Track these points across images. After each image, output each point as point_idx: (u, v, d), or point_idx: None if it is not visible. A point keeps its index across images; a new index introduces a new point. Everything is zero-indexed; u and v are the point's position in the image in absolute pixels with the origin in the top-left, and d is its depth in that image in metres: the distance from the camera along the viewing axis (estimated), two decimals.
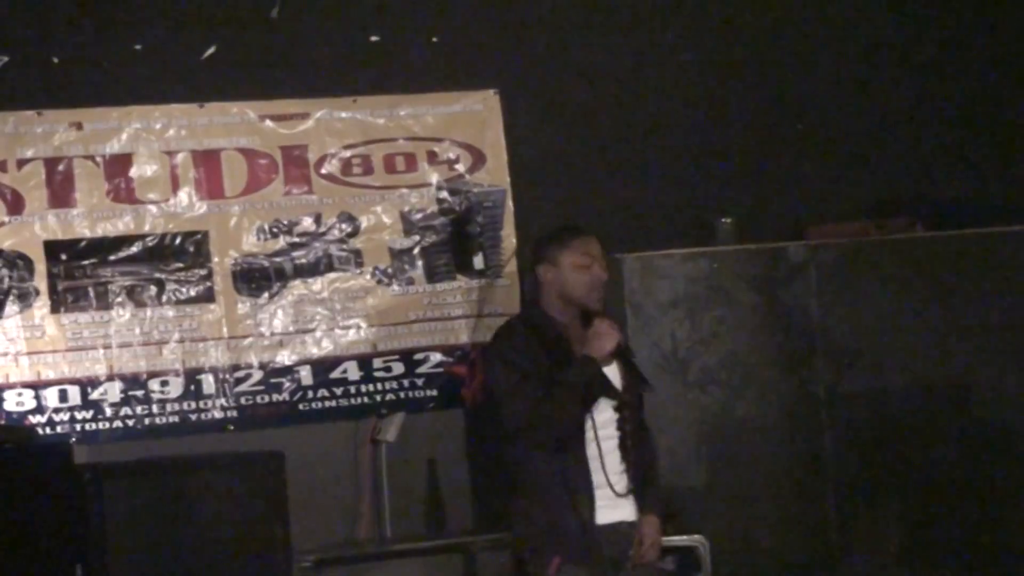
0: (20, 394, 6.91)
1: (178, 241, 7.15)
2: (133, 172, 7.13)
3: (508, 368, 5.49)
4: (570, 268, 5.55)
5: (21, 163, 7.01)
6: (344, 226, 7.33)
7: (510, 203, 7.48)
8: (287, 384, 7.17)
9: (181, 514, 6.52)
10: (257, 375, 7.14)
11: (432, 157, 7.44)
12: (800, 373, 7.00)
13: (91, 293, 7.03)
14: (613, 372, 5.57)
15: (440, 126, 7.46)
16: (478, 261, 7.43)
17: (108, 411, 6.98)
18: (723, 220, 7.33)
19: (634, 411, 5.60)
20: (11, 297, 6.94)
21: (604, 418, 5.50)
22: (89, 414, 6.96)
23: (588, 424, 5.46)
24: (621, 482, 5.51)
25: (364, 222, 7.35)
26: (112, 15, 7.18)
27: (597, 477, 5.48)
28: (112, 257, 7.07)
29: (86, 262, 7.04)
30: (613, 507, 5.51)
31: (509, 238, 7.46)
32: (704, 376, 6.91)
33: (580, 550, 5.43)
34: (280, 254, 7.27)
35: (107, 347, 7.01)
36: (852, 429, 7.01)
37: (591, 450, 5.46)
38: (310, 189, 7.31)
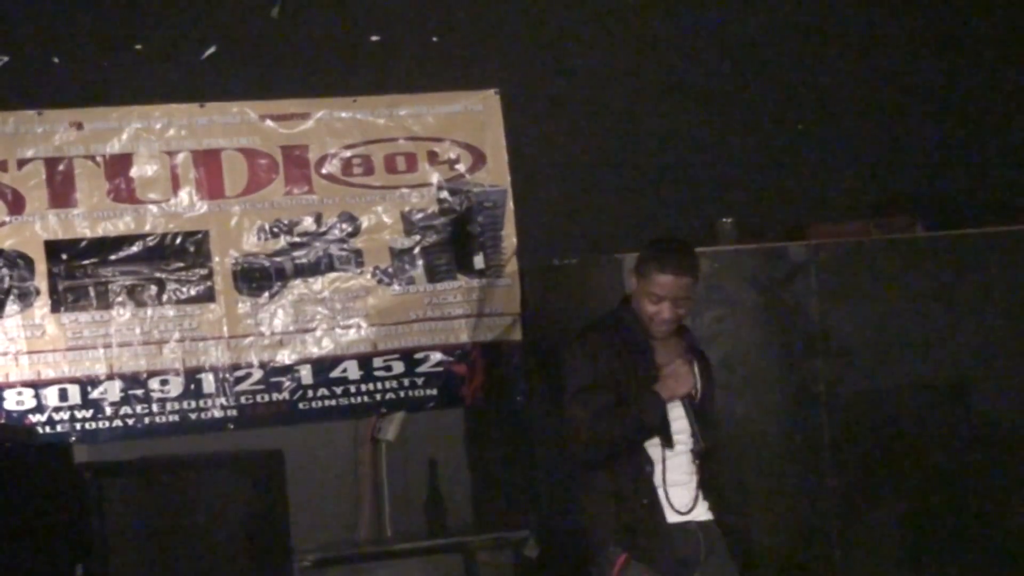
0: (20, 393, 6.92)
1: (178, 241, 7.16)
2: (133, 172, 7.13)
3: (580, 369, 5.47)
4: (643, 293, 5.51)
5: (21, 163, 7.02)
6: (345, 226, 7.33)
7: (510, 203, 7.48)
8: (287, 383, 7.18)
9: (181, 513, 6.53)
10: (257, 374, 7.15)
11: (432, 157, 7.45)
12: (800, 373, 6.99)
13: (91, 292, 7.04)
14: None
15: (440, 126, 7.46)
16: (478, 261, 7.43)
17: (108, 410, 6.98)
18: (723, 220, 7.33)
19: (708, 415, 5.59)
20: (11, 296, 6.95)
21: (678, 425, 5.47)
22: (89, 413, 6.96)
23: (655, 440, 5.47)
24: (690, 485, 5.50)
25: (365, 222, 7.36)
26: (112, 15, 7.19)
27: (671, 476, 5.47)
28: (112, 257, 7.08)
29: (86, 262, 7.05)
30: (680, 508, 5.49)
31: (509, 238, 7.46)
32: None
33: (646, 549, 5.42)
34: (280, 254, 7.27)
35: (107, 346, 7.02)
36: (852, 429, 7.00)
37: (657, 453, 5.44)
38: (311, 189, 7.32)
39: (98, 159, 7.10)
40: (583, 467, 5.47)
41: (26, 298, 6.97)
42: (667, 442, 5.45)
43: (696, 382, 5.49)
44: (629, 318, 5.55)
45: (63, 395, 6.95)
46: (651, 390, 5.40)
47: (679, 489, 5.49)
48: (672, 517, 5.46)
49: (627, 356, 5.46)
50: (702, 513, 5.53)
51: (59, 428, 6.93)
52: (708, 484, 5.54)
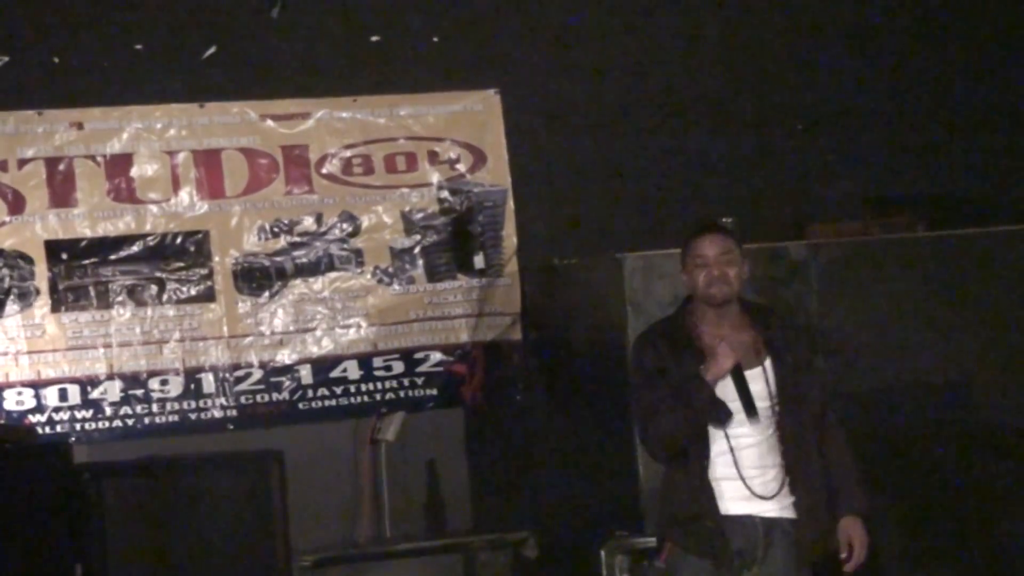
0: (20, 393, 6.92)
1: (179, 240, 7.16)
2: (134, 172, 7.14)
3: (636, 372, 5.49)
4: (692, 269, 5.49)
5: (22, 163, 7.03)
6: (345, 226, 7.33)
7: (511, 203, 7.48)
8: (287, 383, 7.18)
9: (180, 513, 6.52)
10: (257, 374, 7.15)
11: (433, 157, 7.45)
12: None
13: (91, 292, 7.05)
14: (757, 377, 5.44)
15: (441, 126, 7.46)
16: (478, 261, 7.43)
17: (108, 410, 6.99)
18: (723, 220, 7.32)
19: (791, 408, 5.48)
20: (11, 296, 6.96)
21: (739, 418, 5.40)
22: (89, 413, 6.96)
23: (719, 427, 5.40)
24: (759, 481, 5.41)
25: (365, 222, 7.36)
26: (112, 15, 7.19)
27: (728, 470, 5.39)
28: (113, 256, 7.09)
29: (87, 261, 7.05)
30: (746, 499, 5.40)
31: (509, 238, 7.46)
32: None
33: (697, 539, 5.39)
34: (281, 253, 7.27)
35: (107, 346, 7.02)
36: (852, 429, 6.98)
37: (720, 445, 5.39)
38: (311, 189, 7.32)
39: (98, 159, 7.11)
40: (662, 462, 5.47)
41: (26, 298, 6.97)
42: (750, 411, 5.36)
43: (740, 356, 5.39)
44: (678, 315, 5.55)
45: (63, 395, 6.95)
46: (695, 374, 5.36)
47: (759, 474, 5.40)
48: (735, 508, 5.38)
49: (676, 351, 5.43)
50: (776, 509, 5.41)
51: (59, 428, 6.93)
52: (797, 473, 5.42)
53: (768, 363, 5.46)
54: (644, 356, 5.48)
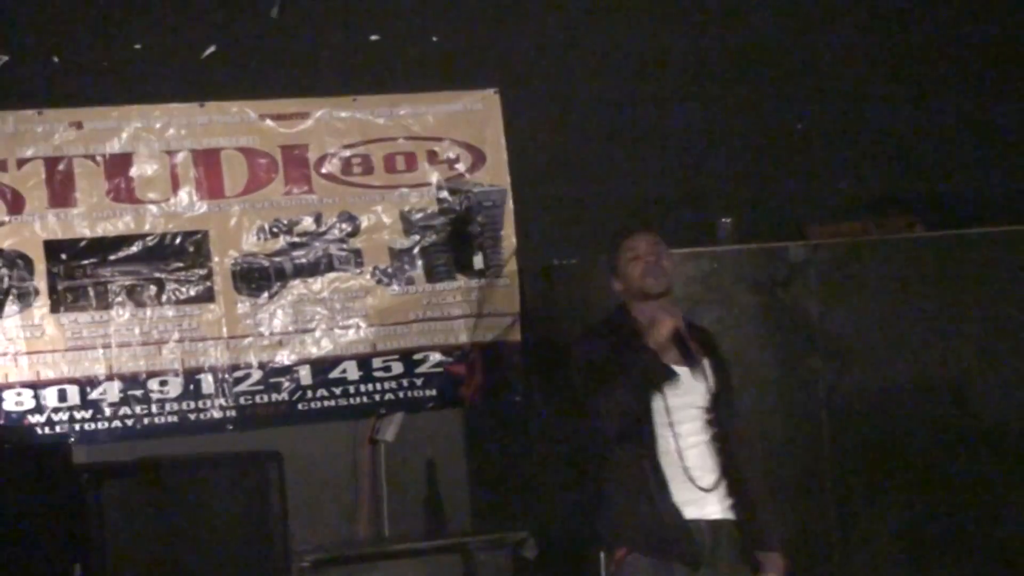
0: (19, 394, 6.93)
1: (178, 241, 7.16)
2: (133, 172, 7.14)
3: (586, 358, 5.50)
4: (624, 264, 5.57)
5: (21, 162, 7.03)
6: (344, 226, 7.33)
7: (510, 203, 7.49)
8: (286, 384, 7.18)
9: (180, 514, 6.52)
10: (256, 375, 7.15)
11: (432, 157, 7.45)
12: (800, 373, 6.99)
13: (91, 293, 7.05)
14: (698, 372, 5.54)
15: (440, 125, 7.46)
16: (478, 261, 7.43)
17: (107, 411, 6.99)
18: (723, 220, 7.33)
19: (725, 414, 5.58)
20: (11, 297, 6.96)
21: (683, 414, 5.49)
22: (88, 414, 6.97)
23: (665, 419, 5.46)
24: (705, 478, 5.48)
25: (364, 222, 7.36)
26: (112, 15, 7.19)
27: (674, 471, 5.45)
28: (112, 257, 7.09)
29: (86, 262, 7.06)
30: (692, 503, 5.46)
31: (509, 238, 7.46)
32: None
33: (649, 543, 5.42)
34: (280, 254, 7.28)
35: (106, 347, 7.02)
36: (852, 429, 7.00)
37: (667, 444, 5.45)
38: (310, 189, 7.32)
39: (98, 159, 7.11)
40: (612, 445, 5.46)
41: (25, 298, 6.98)
42: (692, 364, 5.47)
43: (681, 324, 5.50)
44: (618, 317, 5.60)
45: (62, 396, 6.95)
46: (639, 346, 5.42)
47: (701, 475, 5.47)
48: (684, 513, 5.44)
49: (621, 347, 5.47)
50: (719, 511, 5.50)
51: (58, 429, 6.94)
52: (731, 478, 5.51)
53: (707, 362, 5.58)
54: (592, 349, 5.50)
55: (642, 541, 5.42)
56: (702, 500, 5.46)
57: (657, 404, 5.44)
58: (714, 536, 5.46)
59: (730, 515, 5.50)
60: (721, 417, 5.56)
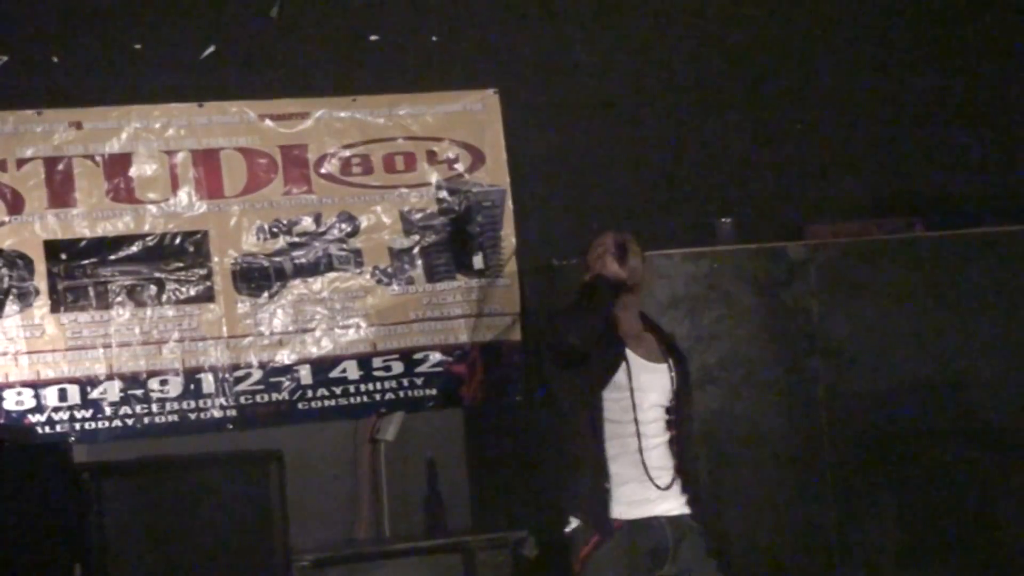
0: (20, 393, 6.93)
1: (178, 241, 7.16)
2: (133, 172, 7.14)
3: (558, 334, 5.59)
4: (594, 259, 5.63)
5: (21, 162, 7.03)
6: (344, 226, 7.33)
7: (510, 203, 7.48)
8: (286, 383, 7.18)
9: (180, 513, 6.52)
10: (257, 374, 7.15)
11: (431, 157, 7.45)
12: (800, 373, 6.99)
13: (91, 292, 7.05)
14: (663, 373, 5.64)
15: (439, 125, 7.46)
16: (478, 261, 7.43)
17: (107, 410, 6.99)
18: (723, 220, 7.33)
19: (684, 414, 5.68)
20: (11, 296, 6.96)
21: (649, 414, 5.56)
22: (88, 413, 6.96)
23: (631, 417, 5.52)
24: (663, 477, 5.56)
25: (364, 222, 7.36)
26: (112, 15, 7.19)
27: (637, 471, 5.52)
28: (112, 257, 7.09)
29: (86, 262, 7.05)
30: (651, 502, 5.53)
31: (509, 238, 7.46)
32: (704, 376, 6.89)
33: (615, 533, 5.48)
34: (280, 254, 7.27)
35: (107, 346, 7.02)
36: (852, 429, 7.00)
37: (632, 443, 5.52)
38: (310, 189, 7.32)
39: (97, 159, 7.11)
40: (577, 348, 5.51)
41: (25, 298, 6.98)
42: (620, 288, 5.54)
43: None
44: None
45: (62, 395, 6.95)
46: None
47: (659, 475, 5.55)
48: (641, 511, 5.51)
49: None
50: (677, 506, 5.58)
51: (58, 428, 6.94)
52: (686, 475, 5.61)
53: (671, 362, 5.68)
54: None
55: (609, 530, 5.48)
56: (660, 498, 5.55)
57: (624, 403, 5.54)
58: (674, 531, 5.54)
59: (687, 510, 5.59)
60: (680, 417, 5.65)
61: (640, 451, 5.53)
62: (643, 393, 5.55)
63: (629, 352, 5.59)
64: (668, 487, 5.55)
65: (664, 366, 5.66)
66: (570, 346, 5.47)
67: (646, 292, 5.88)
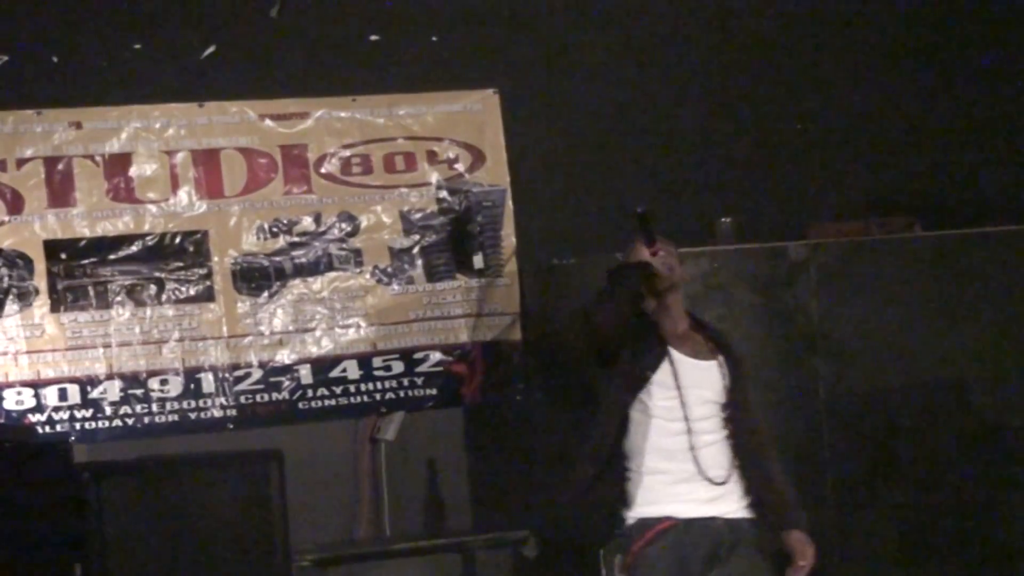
0: (20, 393, 6.92)
1: (178, 240, 7.16)
2: (133, 171, 7.14)
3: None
4: (637, 252, 5.59)
5: (21, 162, 7.02)
6: (344, 225, 7.33)
7: (510, 203, 7.48)
8: (287, 383, 7.18)
9: (180, 513, 6.52)
10: (257, 374, 7.15)
11: (432, 156, 7.45)
12: (800, 373, 6.99)
13: (91, 292, 7.04)
14: (712, 370, 5.57)
15: (440, 125, 7.46)
16: (478, 260, 7.43)
17: (108, 410, 6.98)
18: (723, 220, 7.33)
19: (741, 412, 5.59)
20: (11, 296, 6.95)
21: (700, 411, 5.49)
22: (88, 413, 6.96)
23: (680, 415, 5.47)
24: (720, 476, 5.48)
25: (364, 221, 7.35)
26: (112, 15, 7.19)
27: (689, 468, 5.46)
28: (112, 256, 7.08)
29: (86, 261, 7.05)
30: (707, 502, 5.46)
31: (509, 238, 7.46)
32: None
33: (667, 537, 5.42)
34: (280, 253, 7.27)
35: (107, 346, 7.02)
36: (852, 429, 7.00)
37: (681, 442, 5.46)
38: (310, 188, 7.32)
39: (97, 159, 7.11)
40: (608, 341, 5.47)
41: (25, 298, 6.97)
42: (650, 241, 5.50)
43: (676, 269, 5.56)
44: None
45: (62, 395, 6.94)
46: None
47: (703, 483, 5.47)
48: (698, 510, 5.44)
49: (638, 337, 5.51)
50: (736, 510, 5.49)
51: (58, 428, 6.93)
52: (748, 476, 5.52)
53: (722, 359, 5.59)
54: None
55: (660, 535, 5.42)
56: (719, 499, 5.46)
57: (672, 402, 5.46)
58: (731, 534, 5.45)
59: (747, 513, 5.50)
60: (737, 414, 5.56)
61: (691, 448, 5.45)
62: (691, 390, 5.47)
63: (673, 351, 5.51)
64: (723, 483, 5.47)
65: (713, 363, 5.56)
66: (596, 329, 5.41)
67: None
